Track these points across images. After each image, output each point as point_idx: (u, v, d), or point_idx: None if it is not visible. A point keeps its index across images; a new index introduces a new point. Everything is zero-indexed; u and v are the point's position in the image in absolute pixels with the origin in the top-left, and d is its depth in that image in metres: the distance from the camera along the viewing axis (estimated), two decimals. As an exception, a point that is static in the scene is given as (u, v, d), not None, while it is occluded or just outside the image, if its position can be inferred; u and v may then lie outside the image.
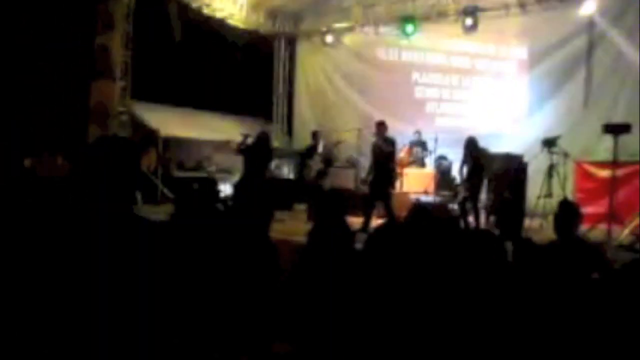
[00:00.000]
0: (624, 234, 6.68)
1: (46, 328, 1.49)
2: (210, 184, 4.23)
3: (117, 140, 1.99)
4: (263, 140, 8.46)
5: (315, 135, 10.66)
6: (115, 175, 1.64)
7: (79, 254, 1.51)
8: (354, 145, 10.40)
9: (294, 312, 2.97)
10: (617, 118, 8.48)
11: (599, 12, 9.42)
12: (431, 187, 9.60)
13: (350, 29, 12.27)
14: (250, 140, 8.47)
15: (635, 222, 6.71)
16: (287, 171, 12.08)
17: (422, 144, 10.45)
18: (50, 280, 1.51)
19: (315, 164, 10.34)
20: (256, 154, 8.29)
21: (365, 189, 10.33)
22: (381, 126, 8.10)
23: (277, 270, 3.18)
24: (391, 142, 8.08)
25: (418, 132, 10.50)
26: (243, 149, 8.52)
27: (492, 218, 7.78)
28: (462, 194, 8.02)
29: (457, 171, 8.45)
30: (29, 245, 1.55)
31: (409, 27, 11.34)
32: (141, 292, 1.54)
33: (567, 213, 3.67)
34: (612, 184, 7.06)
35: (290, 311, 2.98)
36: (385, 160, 8.04)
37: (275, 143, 11.32)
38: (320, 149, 10.49)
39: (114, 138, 8.30)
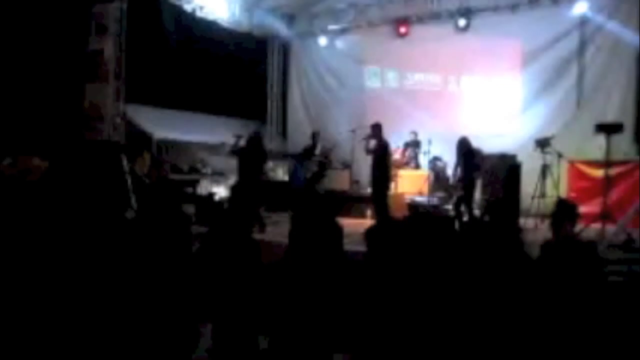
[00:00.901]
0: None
1: (33, 326, 1.49)
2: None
3: (109, 144, 1.99)
4: (255, 141, 8.34)
5: (314, 136, 10.50)
6: (106, 178, 1.64)
7: (68, 255, 1.51)
8: (348, 146, 10.39)
9: (277, 310, 2.98)
10: (610, 117, 8.54)
11: (594, 8, 9.48)
12: (425, 188, 9.62)
13: (343, 31, 12.30)
14: (242, 142, 8.37)
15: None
16: (281, 173, 12.04)
17: (417, 144, 10.46)
18: (38, 280, 1.51)
19: (311, 166, 10.23)
20: (249, 155, 8.23)
21: (358, 189, 10.46)
22: (373, 128, 8.17)
23: (259, 269, 3.20)
24: (380, 145, 8.13)
25: (414, 133, 10.51)
26: (235, 151, 8.42)
27: (486, 218, 7.80)
28: (456, 194, 8.05)
29: (451, 172, 8.48)
30: (19, 245, 1.55)
31: (402, 28, 11.40)
32: (132, 290, 1.55)
33: (564, 211, 3.71)
34: (606, 183, 7.08)
35: (273, 308, 2.99)
36: (373, 162, 8.16)
37: (270, 145, 11.27)
38: (318, 151, 10.38)
39: (105, 142, 8.24)
